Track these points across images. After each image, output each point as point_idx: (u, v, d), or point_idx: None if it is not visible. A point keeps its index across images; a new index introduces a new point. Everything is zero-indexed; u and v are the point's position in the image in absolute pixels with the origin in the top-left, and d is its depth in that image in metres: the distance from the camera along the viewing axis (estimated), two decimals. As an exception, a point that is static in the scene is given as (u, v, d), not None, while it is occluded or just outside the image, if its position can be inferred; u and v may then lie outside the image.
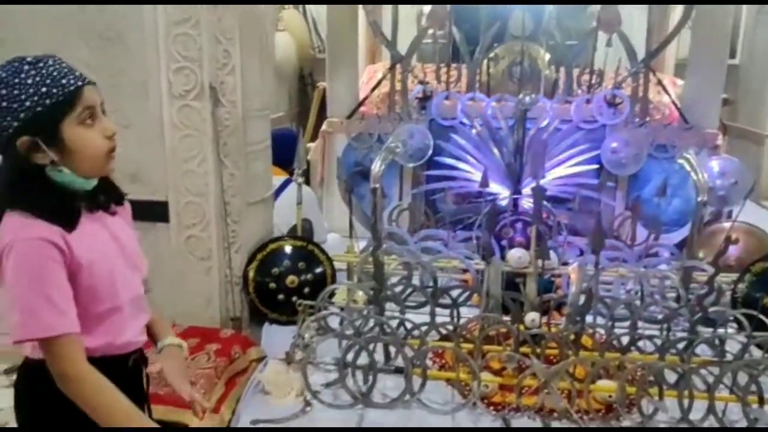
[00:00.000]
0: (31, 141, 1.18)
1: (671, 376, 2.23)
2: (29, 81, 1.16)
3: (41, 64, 1.18)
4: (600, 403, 2.19)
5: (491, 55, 3.90)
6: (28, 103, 1.16)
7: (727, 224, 3.11)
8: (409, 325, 2.53)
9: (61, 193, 1.22)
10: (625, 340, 2.42)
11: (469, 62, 3.79)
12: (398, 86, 3.89)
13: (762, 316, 2.35)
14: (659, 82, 3.82)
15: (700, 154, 3.46)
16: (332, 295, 2.74)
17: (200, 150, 2.58)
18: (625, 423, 2.11)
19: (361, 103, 4.06)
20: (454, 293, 2.74)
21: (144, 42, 2.56)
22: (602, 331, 2.42)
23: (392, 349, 2.39)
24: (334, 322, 2.60)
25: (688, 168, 2.59)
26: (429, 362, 2.39)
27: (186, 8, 2.49)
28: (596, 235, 2.23)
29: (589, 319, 2.38)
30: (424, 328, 2.45)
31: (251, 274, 2.76)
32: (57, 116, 1.17)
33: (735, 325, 2.52)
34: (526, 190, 3.38)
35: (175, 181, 2.60)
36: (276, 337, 2.68)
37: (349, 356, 2.23)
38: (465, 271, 2.97)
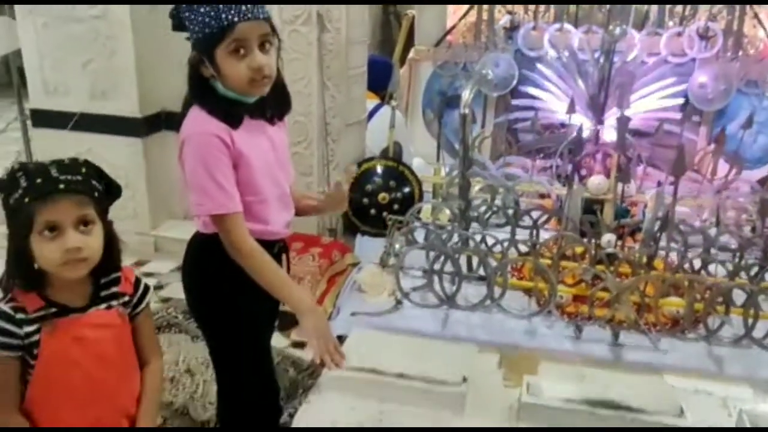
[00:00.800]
0: (198, 56, 1.43)
1: (739, 299, 2.36)
2: (201, 10, 1.38)
3: None
4: (667, 318, 2.36)
5: (582, -17, 3.91)
6: (196, 28, 1.40)
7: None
8: (490, 242, 2.74)
9: (226, 99, 1.45)
10: (697, 264, 2.55)
11: (559, -9, 3.81)
12: (485, 15, 3.97)
13: (836, 248, 2.43)
14: (755, 16, 3.75)
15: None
16: (419, 211, 2.97)
17: (306, 73, 2.81)
18: (691, 336, 2.28)
19: (448, 32, 4.17)
20: (534, 215, 2.92)
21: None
22: (674, 256, 2.57)
23: (475, 262, 2.62)
24: (420, 237, 2.84)
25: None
26: (508, 276, 2.60)
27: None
28: (678, 160, 2.34)
29: (663, 246, 2.53)
30: (505, 244, 2.66)
31: (346, 189, 3.02)
32: (211, 43, 1.39)
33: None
34: (609, 122, 3.46)
35: (283, 101, 2.86)
36: (367, 247, 2.95)
37: (436, 266, 2.48)
38: (544, 196, 3.14)
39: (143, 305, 1.37)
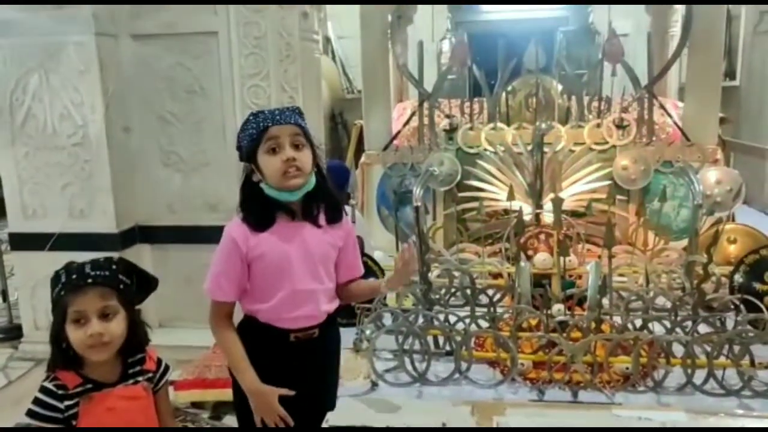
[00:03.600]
0: (249, 166, 1.73)
1: (678, 352, 2.64)
2: (248, 127, 1.71)
3: (260, 114, 1.71)
4: (619, 375, 2.61)
5: (509, 88, 4.40)
6: (245, 141, 1.72)
7: (727, 226, 3.54)
8: (453, 320, 2.97)
9: (268, 203, 1.72)
10: (638, 323, 2.84)
11: (490, 96, 4.28)
12: (426, 120, 4.39)
13: (754, 299, 2.77)
14: (661, 106, 4.28)
15: (702, 168, 3.89)
16: (385, 298, 3.19)
17: (271, 180, 3.09)
18: (640, 389, 2.52)
19: (394, 137, 4.56)
20: (490, 293, 3.19)
21: (222, 93, 3.12)
22: (618, 319, 2.85)
23: (440, 339, 2.84)
24: (387, 321, 3.05)
25: (685, 176, 3.02)
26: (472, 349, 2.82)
27: (257, 63, 3.03)
28: (608, 232, 2.67)
29: (607, 310, 2.81)
30: (467, 321, 2.90)
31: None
32: (254, 147, 1.70)
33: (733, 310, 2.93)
34: (547, 206, 3.82)
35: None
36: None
37: (406, 346, 2.68)
38: (497, 276, 3.42)
39: (164, 381, 1.58)
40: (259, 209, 1.72)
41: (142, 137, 3.28)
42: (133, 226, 3.35)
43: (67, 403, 1.40)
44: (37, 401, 1.41)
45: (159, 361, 1.58)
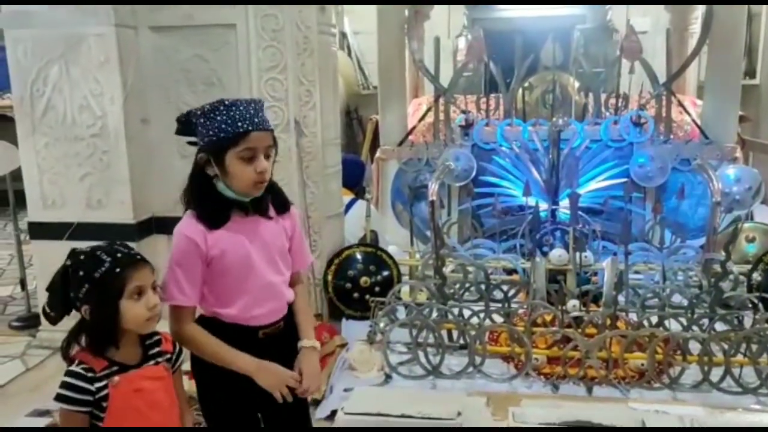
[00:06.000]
0: (206, 157, 1.65)
1: (695, 350, 2.62)
2: (218, 118, 1.59)
3: (233, 108, 1.61)
4: (634, 371, 2.59)
5: (525, 84, 4.38)
6: (210, 132, 1.62)
7: (745, 225, 3.51)
8: (467, 314, 2.97)
9: (220, 200, 1.63)
10: (654, 320, 2.82)
11: (506, 92, 4.27)
12: (442, 116, 4.39)
13: (772, 297, 2.74)
14: (680, 103, 4.24)
15: (720, 166, 3.85)
16: (399, 292, 3.20)
17: (287, 173, 3.09)
18: (656, 386, 2.50)
19: (409, 132, 4.56)
20: (505, 288, 3.18)
21: (240, 86, 3.12)
22: (634, 316, 2.83)
23: (455, 334, 2.83)
24: (401, 315, 3.06)
25: (703, 174, 3.00)
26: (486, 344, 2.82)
27: (275, 56, 3.04)
28: (624, 229, 2.66)
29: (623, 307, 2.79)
30: (481, 315, 2.89)
31: (329, 276, 3.26)
32: (224, 147, 1.58)
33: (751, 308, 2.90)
34: (563, 203, 3.81)
35: (267, 199, 3.14)
36: (353, 330, 3.15)
37: (419, 339, 2.68)
38: (511, 272, 3.41)
39: (179, 362, 1.61)
40: (213, 206, 1.64)
41: (160, 129, 3.29)
42: (150, 217, 3.37)
43: (97, 385, 1.42)
44: (67, 385, 1.41)
45: (174, 344, 1.61)
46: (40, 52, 3.16)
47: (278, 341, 1.75)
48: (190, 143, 1.71)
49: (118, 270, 1.42)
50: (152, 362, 1.52)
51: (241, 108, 1.61)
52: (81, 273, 1.42)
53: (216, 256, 1.63)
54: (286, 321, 1.78)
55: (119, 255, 1.45)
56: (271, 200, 1.74)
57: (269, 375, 1.66)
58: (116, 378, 1.44)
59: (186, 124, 1.71)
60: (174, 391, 1.57)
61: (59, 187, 3.27)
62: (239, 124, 1.59)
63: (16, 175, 3.50)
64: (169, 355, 1.57)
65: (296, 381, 1.68)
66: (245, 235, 1.68)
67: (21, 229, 3.70)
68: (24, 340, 3.43)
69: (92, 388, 1.41)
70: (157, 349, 1.54)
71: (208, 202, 1.65)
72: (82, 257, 1.45)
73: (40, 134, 3.23)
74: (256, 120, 1.61)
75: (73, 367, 1.43)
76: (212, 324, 1.67)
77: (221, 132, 1.60)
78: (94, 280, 1.42)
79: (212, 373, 1.67)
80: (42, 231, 3.30)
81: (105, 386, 1.43)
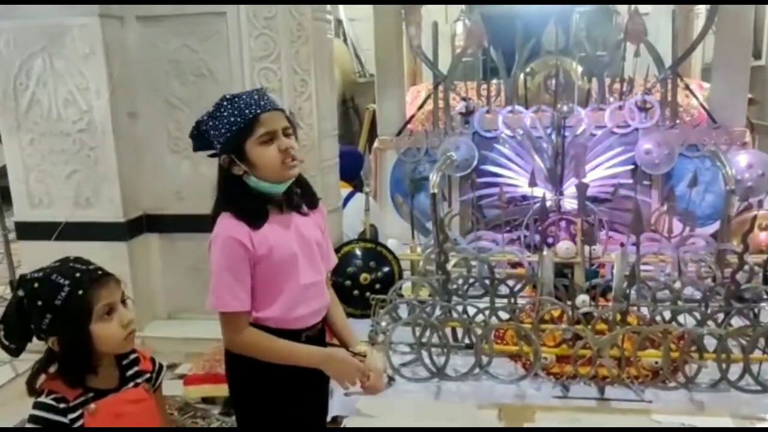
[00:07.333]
0: (228, 158, 1.56)
1: (710, 345, 2.51)
2: (225, 113, 1.53)
3: (236, 99, 1.54)
4: (648, 370, 2.49)
5: (527, 69, 4.25)
6: (222, 130, 1.54)
7: (758, 213, 3.39)
8: (471, 311, 2.86)
9: (255, 197, 1.57)
10: (667, 316, 2.71)
11: (507, 78, 4.14)
12: (441, 104, 4.26)
13: (790, 289, 2.63)
14: (686, 87, 4.11)
15: (729, 151, 3.73)
16: (400, 289, 3.08)
17: (282, 167, 2.97)
18: (671, 384, 2.40)
19: (408, 121, 4.43)
20: (510, 283, 3.07)
21: (232, 77, 3.00)
22: (645, 311, 2.72)
23: (459, 332, 2.73)
24: (403, 313, 2.95)
25: (716, 160, 2.88)
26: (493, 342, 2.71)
27: (267, 44, 2.90)
28: (635, 219, 2.54)
29: (634, 301, 2.68)
30: (486, 313, 2.78)
31: (328, 274, 3.13)
32: (240, 139, 1.52)
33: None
34: (568, 191, 3.69)
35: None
36: (353, 329, 3.02)
37: (423, 340, 2.57)
38: (516, 265, 3.30)
39: (160, 380, 1.49)
40: (250, 203, 1.57)
41: (149, 123, 3.17)
42: (141, 215, 3.26)
43: (71, 416, 1.29)
44: (36, 420, 1.28)
45: (153, 361, 1.49)
46: (22, 44, 3.04)
47: (318, 343, 1.69)
48: (212, 155, 1.62)
49: (80, 292, 1.28)
50: (131, 384, 1.40)
51: (245, 97, 1.55)
52: (39, 303, 1.28)
53: (264, 255, 1.55)
54: (323, 322, 1.73)
55: (78, 275, 1.30)
56: (302, 194, 1.66)
57: (339, 365, 1.61)
58: (93, 405, 1.30)
59: (199, 137, 1.63)
60: (157, 413, 1.45)
61: (46, 185, 3.15)
62: (246, 111, 1.53)
63: (1, 173, 3.38)
64: (148, 375, 1.44)
65: (364, 375, 1.62)
66: (287, 231, 1.61)
67: (8, 228, 3.58)
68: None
69: (66, 420, 1.27)
70: (135, 369, 1.42)
71: (246, 201, 1.57)
72: (36, 285, 1.29)
73: (25, 130, 3.11)
74: (262, 103, 1.55)
75: (43, 398, 1.28)
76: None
77: (232, 125, 1.53)
78: (56, 308, 1.27)
79: (253, 375, 1.61)
80: (30, 231, 3.19)
81: (80, 416, 1.29)
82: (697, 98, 4.13)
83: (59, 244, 3.03)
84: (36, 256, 3.11)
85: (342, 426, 1.74)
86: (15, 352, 1.33)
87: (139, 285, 3.26)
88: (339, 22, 6.90)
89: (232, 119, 1.53)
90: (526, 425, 1.73)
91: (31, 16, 2.98)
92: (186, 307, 3.35)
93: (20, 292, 1.31)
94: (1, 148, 3.27)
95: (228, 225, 1.55)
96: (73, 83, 3.03)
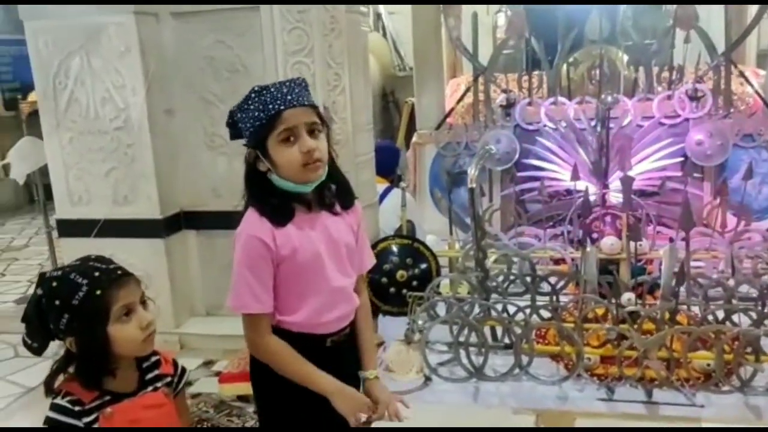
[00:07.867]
0: (254, 152, 1.49)
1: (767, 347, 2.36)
2: (252, 107, 1.46)
3: (264, 92, 1.46)
4: (699, 372, 2.35)
5: (570, 60, 4.11)
6: (248, 124, 1.48)
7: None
8: (511, 310, 2.76)
9: (281, 194, 1.50)
10: (720, 315, 2.56)
11: (549, 69, 4.01)
12: (482, 96, 4.15)
13: None
14: (741, 74, 3.91)
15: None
16: (438, 286, 3.01)
17: (316, 162, 2.93)
18: (725, 388, 2.26)
19: (447, 115, 4.35)
20: (552, 280, 2.96)
21: (265, 72, 2.96)
22: (697, 309, 2.58)
23: (498, 331, 2.64)
24: (441, 311, 2.87)
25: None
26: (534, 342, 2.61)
27: (301, 38, 2.86)
28: (685, 214, 2.40)
29: (683, 300, 2.54)
30: (527, 311, 2.68)
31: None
32: (262, 135, 1.45)
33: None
34: (614, 185, 3.55)
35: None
36: (390, 327, 2.98)
37: (461, 339, 2.49)
38: (559, 262, 3.19)
39: (182, 385, 1.44)
40: (275, 200, 1.49)
41: (185, 119, 3.18)
42: (178, 212, 3.27)
43: (86, 420, 1.25)
44: (51, 422, 1.25)
45: (175, 364, 1.44)
46: (60, 44, 3.08)
47: (345, 348, 1.62)
48: (245, 145, 1.55)
49: (98, 292, 1.24)
50: (150, 388, 1.35)
51: (273, 90, 1.46)
52: (57, 302, 1.25)
53: (287, 255, 1.48)
54: (351, 326, 1.63)
55: (97, 274, 1.26)
56: (337, 192, 1.57)
57: (347, 399, 1.51)
58: (108, 409, 1.26)
59: (233, 126, 1.56)
60: (177, 419, 1.40)
61: (85, 183, 3.19)
62: (270, 106, 1.45)
63: (44, 170, 3.44)
64: (169, 378, 1.40)
65: (371, 410, 1.52)
66: (314, 231, 1.52)
67: (51, 226, 3.64)
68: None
69: (80, 423, 1.24)
70: (155, 372, 1.37)
71: (271, 198, 1.50)
72: (54, 284, 1.27)
73: (64, 129, 3.15)
74: (288, 97, 1.45)
75: (58, 400, 1.25)
76: (277, 334, 1.52)
77: (256, 120, 1.46)
78: (73, 308, 1.24)
79: (277, 382, 1.53)
80: (71, 228, 3.23)
81: (96, 419, 1.25)
82: (752, 86, 3.92)
83: (99, 241, 3.06)
84: (76, 253, 3.12)
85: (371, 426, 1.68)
86: (38, 351, 1.30)
87: (177, 282, 3.27)
88: (378, 15, 6.84)
89: (257, 114, 1.46)
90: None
91: (67, 15, 3.01)
92: (224, 304, 3.33)
93: (39, 291, 1.28)
94: (44, 148, 3.33)
95: (251, 222, 1.49)
96: (110, 81, 3.05)
